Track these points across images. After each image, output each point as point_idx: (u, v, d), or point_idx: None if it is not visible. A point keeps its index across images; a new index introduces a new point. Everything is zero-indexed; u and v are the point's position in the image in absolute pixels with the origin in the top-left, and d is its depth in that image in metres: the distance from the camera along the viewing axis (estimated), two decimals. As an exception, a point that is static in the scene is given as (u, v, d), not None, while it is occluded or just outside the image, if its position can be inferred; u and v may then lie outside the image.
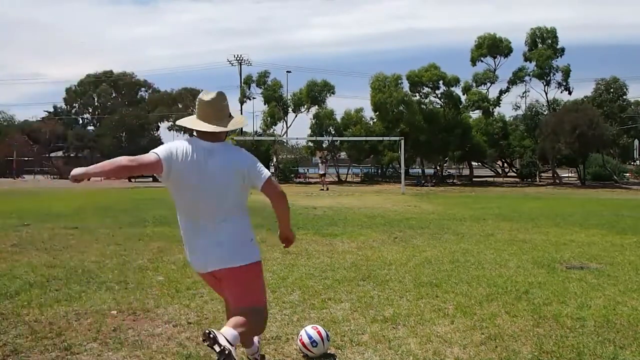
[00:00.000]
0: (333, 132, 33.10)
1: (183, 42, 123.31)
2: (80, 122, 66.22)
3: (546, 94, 34.62)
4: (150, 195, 19.32)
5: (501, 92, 34.68)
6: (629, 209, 14.27)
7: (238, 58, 46.57)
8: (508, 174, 40.96)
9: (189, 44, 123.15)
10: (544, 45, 33.13)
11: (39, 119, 57.80)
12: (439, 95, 33.54)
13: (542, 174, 37.72)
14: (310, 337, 3.14)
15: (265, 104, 34.85)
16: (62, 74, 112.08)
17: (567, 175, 40.77)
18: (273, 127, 34.80)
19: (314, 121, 33.99)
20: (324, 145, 34.42)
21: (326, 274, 5.35)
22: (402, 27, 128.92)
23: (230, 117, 2.76)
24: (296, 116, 36.19)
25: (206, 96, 2.66)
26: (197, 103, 2.68)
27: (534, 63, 33.22)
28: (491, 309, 4.16)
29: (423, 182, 32.14)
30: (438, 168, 37.61)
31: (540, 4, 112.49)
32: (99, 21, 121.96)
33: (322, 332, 3.19)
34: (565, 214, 12.41)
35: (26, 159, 46.71)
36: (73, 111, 67.28)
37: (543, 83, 34.00)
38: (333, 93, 34.75)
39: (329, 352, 3.24)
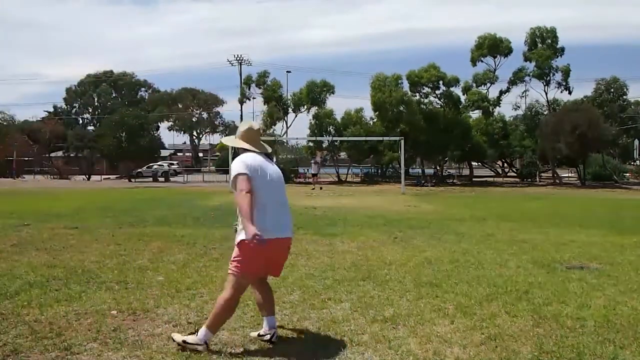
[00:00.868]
0: (333, 132, 33.10)
1: (183, 42, 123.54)
2: (80, 122, 66.29)
3: (546, 94, 34.67)
4: (150, 195, 19.33)
5: (501, 92, 34.69)
6: (629, 209, 14.28)
7: (238, 58, 46.64)
8: (508, 174, 40.97)
9: (189, 44, 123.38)
10: (544, 45, 33.13)
11: (39, 119, 57.87)
12: (439, 96, 33.55)
13: (542, 174, 37.73)
14: None
15: (265, 104, 34.87)
16: (62, 74, 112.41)
17: (567, 175, 40.76)
18: (273, 127, 34.81)
19: (313, 121, 33.99)
20: (324, 145, 34.42)
21: (326, 274, 5.35)
22: (402, 27, 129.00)
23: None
24: (296, 116, 36.24)
25: (256, 125, 3.66)
26: (246, 129, 3.57)
27: (533, 63, 33.22)
28: (491, 309, 4.16)
29: (423, 182, 32.14)
30: (438, 168, 37.61)
31: (540, 4, 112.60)
32: (99, 21, 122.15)
33: None
34: (565, 214, 12.42)
35: (26, 159, 46.71)
36: (73, 111, 67.38)
37: (543, 83, 34.01)
38: (333, 93, 34.79)
39: (329, 352, 3.24)
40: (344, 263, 5.98)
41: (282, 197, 3.52)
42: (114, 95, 66.84)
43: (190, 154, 68.15)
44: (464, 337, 3.52)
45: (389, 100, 30.51)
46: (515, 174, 39.32)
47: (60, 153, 46.46)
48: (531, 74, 33.57)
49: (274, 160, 3.54)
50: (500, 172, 42.13)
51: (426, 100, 33.75)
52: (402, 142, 24.87)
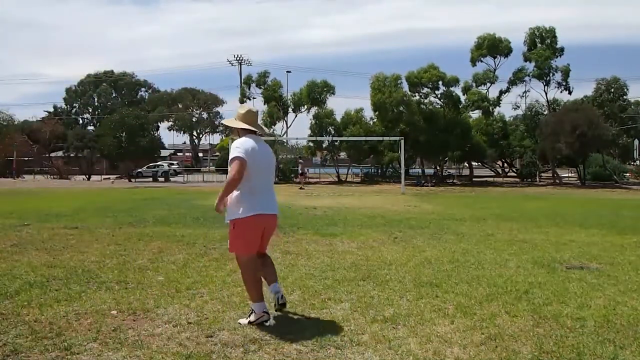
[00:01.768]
0: (333, 132, 33.10)
1: (183, 42, 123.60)
2: (80, 122, 66.28)
3: (546, 94, 34.68)
4: (150, 195, 19.33)
5: (501, 92, 34.70)
6: (629, 209, 14.28)
7: (238, 58, 46.71)
8: (508, 174, 40.97)
9: (189, 44, 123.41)
10: (544, 45, 33.14)
11: (39, 119, 57.84)
12: (439, 96, 33.56)
13: (542, 174, 37.73)
14: None
15: (265, 104, 34.87)
16: (62, 74, 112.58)
17: (567, 175, 40.77)
18: (273, 127, 34.82)
19: (313, 121, 33.99)
20: (324, 145, 34.41)
21: (326, 274, 5.35)
22: (402, 27, 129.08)
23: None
24: (296, 116, 36.25)
25: (254, 108, 4.03)
26: (245, 111, 3.92)
27: (533, 63, 33.22)
28: (491, 309, 4.16)
29: (423, 182, 32.14)
30: (438, 168, 37.61)
31: (540, 4, 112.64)
32: (99, 21, 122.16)
33: None
34: (565, 214, 12.42)
35: (26, 159, 46.71)
36: (73, 111, 67.37)
37: (543, 83, 34.02)
38: (333, 93, 34.79)
39: (329, 352, 3.24)
40: (344, 263, 5.98)
41: (269, 181, 3.96)
42: (114, 95, 66.87)
43: (190, 154, 68.14)
44: (464, 337, 3.52)
45: (388, 100, 30.52)
46: (515, 174, 39.31)
47: (60, 153, 46.46)
48: (531, 74, 33.58)
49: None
50: (500, 172, 42.14)
51: (426, 101, 33.76)
52: (402, 142, 24.88)
